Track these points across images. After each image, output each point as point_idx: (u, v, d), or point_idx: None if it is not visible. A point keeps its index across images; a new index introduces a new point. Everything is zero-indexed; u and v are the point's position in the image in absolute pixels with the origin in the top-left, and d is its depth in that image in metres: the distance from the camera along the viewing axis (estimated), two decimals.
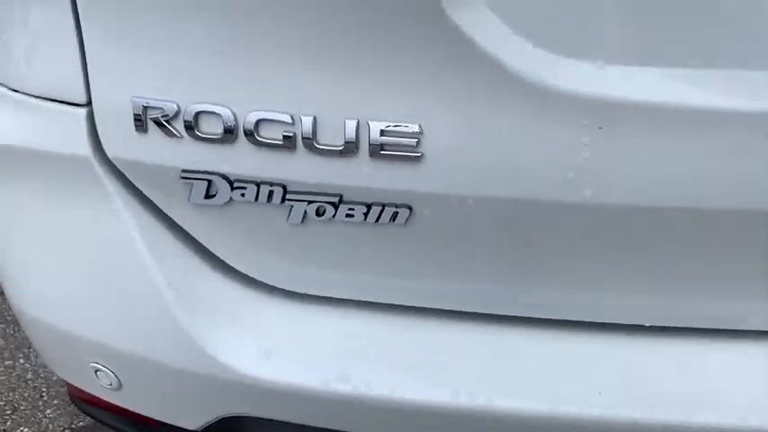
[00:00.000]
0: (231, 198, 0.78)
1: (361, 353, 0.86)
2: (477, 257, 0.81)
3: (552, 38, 0.65)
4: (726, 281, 0.80)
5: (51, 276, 0.90)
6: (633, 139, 0.67)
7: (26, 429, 1.82)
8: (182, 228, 0.86)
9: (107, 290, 0.87)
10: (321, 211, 0.78)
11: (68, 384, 1.06)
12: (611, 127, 0.67)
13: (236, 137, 0.72)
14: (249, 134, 0.72)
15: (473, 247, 0.80)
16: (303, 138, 0.71)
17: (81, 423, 1.83)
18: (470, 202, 0.73)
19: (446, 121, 0.69)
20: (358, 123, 0.70)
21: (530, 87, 0.65)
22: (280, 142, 0.72)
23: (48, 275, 0.90)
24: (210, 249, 0.88)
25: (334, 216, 0.77)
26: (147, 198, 0.83)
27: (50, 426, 1.83)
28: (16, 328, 2.14)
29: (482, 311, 0.87)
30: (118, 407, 0.99)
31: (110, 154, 0.79)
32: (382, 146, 0.70)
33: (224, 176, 0.76)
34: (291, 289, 0.90)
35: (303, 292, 0.90)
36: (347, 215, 0.77)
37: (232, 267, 0.89)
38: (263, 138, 0.72)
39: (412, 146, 0.70)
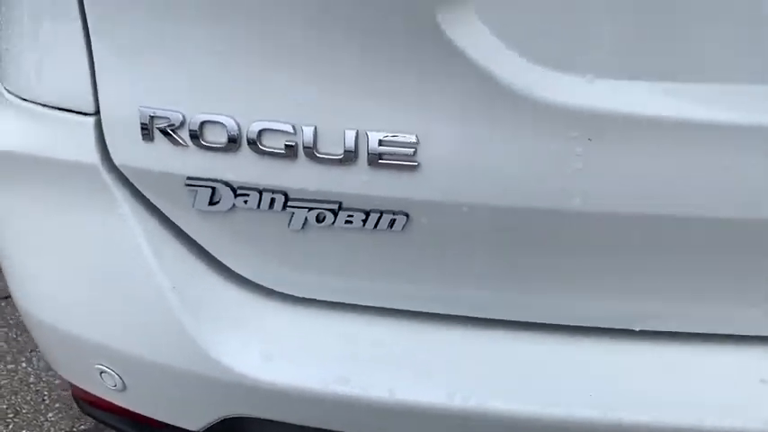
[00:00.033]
0: (234, 205, 0.79)
1: (360, 355, 0.87)
2: (472, 263, 0.82)
3: (543, 52, 0.66)
4: (712, 286, 0.80)
5: (58, 279, 0.90)
6: (622, 150, 0.69)
7: None
8: (186, 233, 0.86)
9: (113, 293, 0.88)
10: (321, 218, 0.78)
11: (72, 386, 1.06)
12: (600, 138, 0.68)
13: (240, 146, 0.73)
14: (252, 143, 0.73)
15: (468, 253, 0.81)
16: (304, 147, 0.72)
17: (82, 426, 1.83)
18: (465, 209, 0.74)
19: (441, 132, 0.70)
20: (357, 133, 0.71)
21: (521, 99, 0.66)
22: (282, 151, 0.73)
23: (55, 279, 0.91)
24: (214, 254, 0.88)
25: (333, 222, 0.78)
26: (153, 204, 0.84)
27: (52, 429, 1.82)
28: (19, 332, 2.14)
29: (477, 316, 0.88)
30: (121, 408, 0.99)
31: (117, 161, 0.80)
32: (380, 155, 0.71)
33: (227, 184, 0.77)
34: (292, 293, 0.90)
35: (303, 296, 0.91)
36: (346, 222, 0.78)
37: (234, 272, 0.90)
38: (266, 147, 0.73)
39: (409, 155, 0.71)
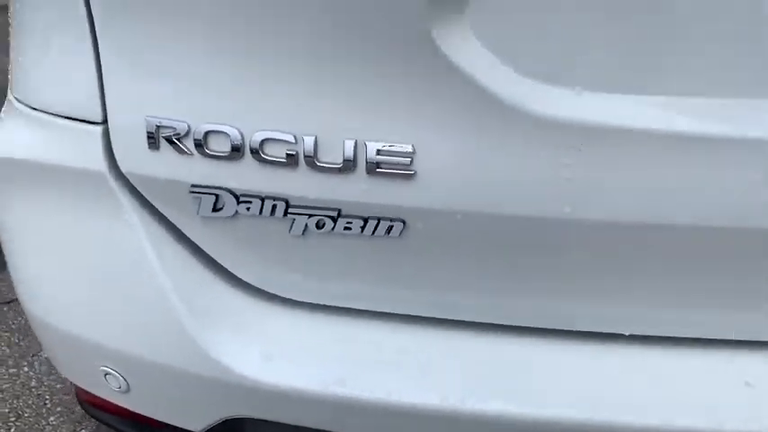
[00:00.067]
0: (237, 211, 0.80)
1: (358, 358, 0.87)
2: (467, 269, 0.83)
3: (535, 66, 0.68)
4: (698, 292, 0.81)
5: (65, 283, 0.91)
6: (609, 161, 0.70)
7: None
8: (190, 239, 0.87)
9: (118, 297, 0.88)
10: (321, 224, 0.79)
11: (76, 388, 1.08)
12: (589, 149, 0.69)
13: (243, 154, 0.74)
14: (255, 152, 0.74)
15: (462, 259, 0.82)
16: (305, 156, 0.73)
17: (84, 430, 1.82)
18: (459, 217, 0.75)
19: (437, 142, 0.71)
20: (356, 143, 0.72)
21: (513, 112, 0.68)
22: (283, 160, 0.74)
23: (62, 282, 0.91)
24: (216, 259, 0.89)
25: (333, 229, 0.79)
26: (158, 211, 0.85)
27: None
28: (21, 337, 2.13)
29: (472, 320, 0.89)
30: (125, 410, 1.00)
31: (123, 169, 0.81)
32: (378, 164, 0.72)
33: (231, 191, 0.78)
34: (292, 297, 0.91)
35: (303, 300, 0.91)
36: (345, 228, 0.79)
37: (236, 276, 0.90)
38: (268, 155, 0.74)
39: (405, 164, 0.72)
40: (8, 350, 2.09)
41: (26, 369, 2.02)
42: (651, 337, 0.86)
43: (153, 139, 0.76)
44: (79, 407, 1.81)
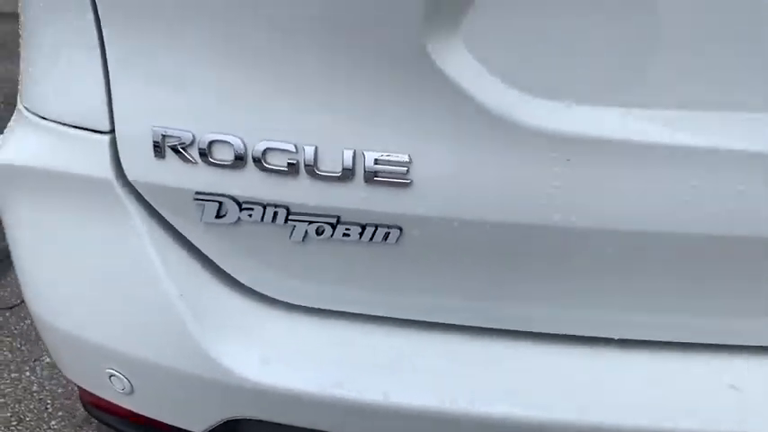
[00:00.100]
0: (239, 218, 0.81)
1: (356, 360, 0.88)
2: (461, 274, 0.84)
3: (525, 80, 0.69)
4: (684, 298, 0.83)
5: (72, 287, 0.92)
6: (596, 171, 0.72)
7: None
8: (193, 244, 0.88)
9: (123, 300, 0.89)
10: (320, 231, 0.80)
11: (80, 390, 1.08)
12: (577, 159, 0.71)
13: (246, 163, 0.76)
14: (257, 161, 0.75)
15: (457, 265, 0.83)
16: (305, 165, 0.75)
17: None
18: (454, 224, 0.76)
19: (433, 152, 0.73)
20: (354, 153, 0.74)
21: (504, 123, 0.70)
22: (284, 169, 0.75)
23: (68, 286, 0.92)
24: (219, 264, 0.90)
25: (332, 235, 0.80)
26: (163, 217, 0.86)
27: None
28: (22, 342, 2.13)
29: (465, 324, 0.90)
30: (128, 411, 1.01)
31: (130, 177, 0.82)
32: (376, 173, 0.74)
33: (233, 198, 0.79)
34: (292, 302, 0.92)
35: (303, 304, 0.92)
36: (344, 234, 0.80)
37: (238, 281, 0.91)
38: (270, 164, 0.75)
39: (402, 173, 0.74)
40: (10, 355, 2.09)
41: (28, 374, 2.02)
42: (640, 342, 0.88)
43: (159, 148, 0.78)
44: (80, 411, 1.84)
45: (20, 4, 0.85)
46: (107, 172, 0.83)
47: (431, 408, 0.84)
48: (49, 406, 1.92)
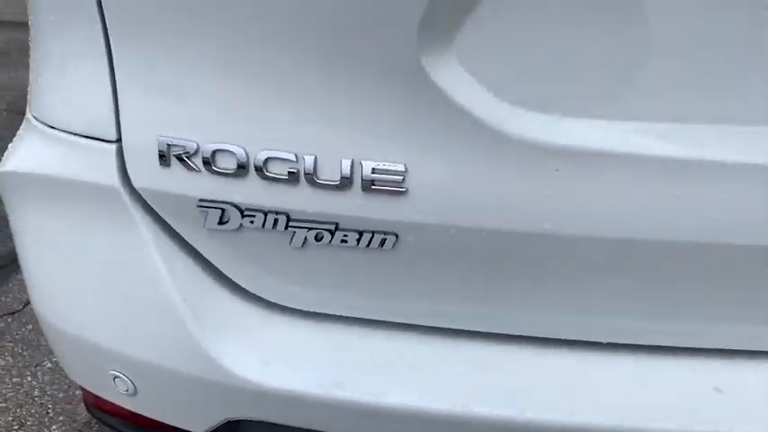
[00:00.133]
0: (241, 224, 0.82)
1: (354, 362, 0.89)
2: (455, 279, 0.85)
3: (517, 94, 0.71)
4: (670, 303, 0.85)
5: (78, 291, 0.93)
6: (585, 181, 0.74)
7: None
8: (197, 250, 0.90)
9: (128, 304, 0.90)
10: (319, 237, 0.82)
11: (84, 392, 1.09)
12: (567, 170, 0.73)
13: (248, 172, 0.77)
14: (259, 170, 0.77)
15: (451, 270, 0.85)
16: (305, 173, 0.76)
17: None
18: (447, 230, 0.78)
19: (427, 162, 0.75)
20: (352, 162, 0.75)
21: (496, 135, 0.71)
22: (285, 177, 0.77)
23: (75, 290, 0.93)
24: (221, 269, 0.91)
25: (330, 241, 0.82)
26: (167, 223, 0.87)
27: None
28: (24, 347, 2.15)
29: (461, 328, 0.92)
30: (131, 412, 1.02)
31: (136, 185, 0.84)
32: (373, 181, 0.76)
33: (236, 206, 0.81)
34: (292, 306, 0.94)
35: (302, 308, 0.94)
36: (342, 240, 0.82)
37: (239, 286, 0.93)
38: (271, 173, 0.77)
39: (398, 182, 0.75)
40: (12, 360, 2.11)
41: (29, 379, 2.03)
42: (627, 345, 0.90)
43: (164, 157, 0.79)
44: (80, 416, 1.85)
45: (30, 16, 0.85)
46: (114, 180, 0.84)
47: (428, 409, 0.86)
48: (50, 410, 1.93)
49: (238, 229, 0.84)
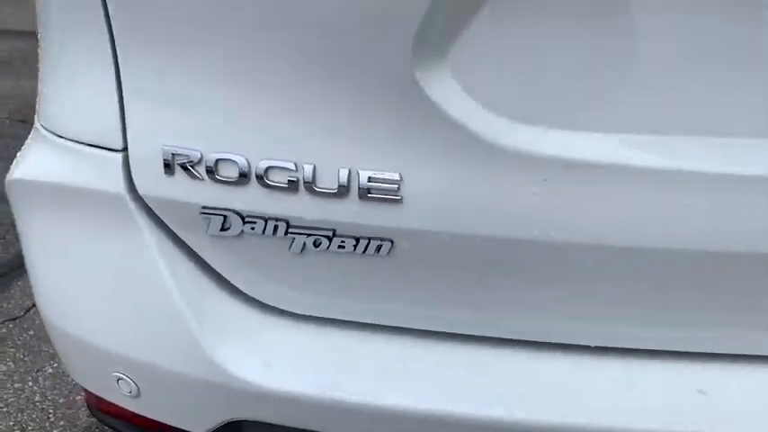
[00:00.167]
0: (242, 231, 0.84)
1: (353, 365, 0.91)
2: (449, 284, 0.87)
3: (507, 107, 0.74)
4: (656, 308, 0.87)
5: (84, 295, 0.95)
6: (571, 189, 0.76)
7: None
8: (199, 256, 0.91)
9: (133, 308, 0.92)
10: (318, 243, 0.84)
11: (87, 394, 1.11)
12: (553, 179, 0.75)
13: (249, 180, 0.79)
14: (260, 178, 0.79)
15: (445, 276, 0.86)
16: (304, 182, 0.78)
17: None
18: (441, 237, 0.80)
19: (421, 171, 0.77)
20: (349, 171, 0.77)
21: (487, 146, 0.74)
22: (285, 185, 0.79)
23: (81, 294, 0.95)
24: (222, 274, 0.93)
25: (328, 247, 0.84)
26: (171, 230, 0.89)
27: None
28: (25, 353, 2.16)
29: (455, 331, 0.93)
30: (133, 414, 1.03)
31: (141, 192, 0.85)
32: (369, 190, 0.78)
33: (237, 213, 0.83)
34: (292, 309, 0.95)
35: (302, 312, 0.95)
36: (339, 246, 0.83)
37: (240, 290, 0.95)
38: (272, 181, 0.79)
39: (393, 190, 0.77)
40: (13, 365, 2.12)
41: (30, 384, 2.04)
42: (613, 349, 0.92)
43: (168, 166, 0.81)
44: (81, 421, 1.87)
45: (38, 26, 0.87)
46: (119, 187, 0.86)
47: (425, 410, 0.87)
48: (51, 415, 1.94)
49: (239, 235, 0.85)
